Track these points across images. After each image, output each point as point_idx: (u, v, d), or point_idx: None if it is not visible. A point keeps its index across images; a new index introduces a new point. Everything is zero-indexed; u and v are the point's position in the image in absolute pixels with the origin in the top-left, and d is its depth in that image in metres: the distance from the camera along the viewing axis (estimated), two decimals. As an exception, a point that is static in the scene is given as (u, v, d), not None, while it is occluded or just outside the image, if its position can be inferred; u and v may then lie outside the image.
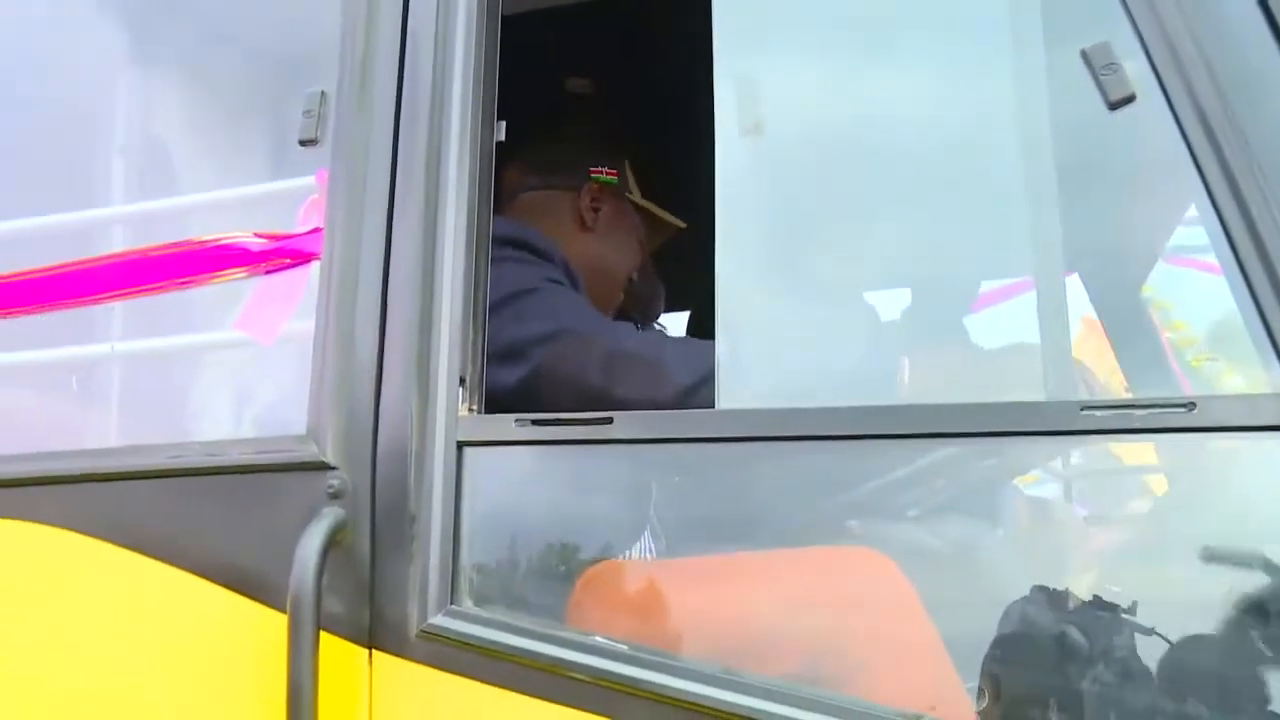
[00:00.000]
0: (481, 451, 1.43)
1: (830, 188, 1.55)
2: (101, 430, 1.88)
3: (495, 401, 1.50)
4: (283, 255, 1.60)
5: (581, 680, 1.31)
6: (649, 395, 1.79)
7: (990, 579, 1.47)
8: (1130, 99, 1.28)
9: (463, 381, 1.44)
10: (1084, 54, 1.31)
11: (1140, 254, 2.33)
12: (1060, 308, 1.43)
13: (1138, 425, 1.22)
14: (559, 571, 1.50)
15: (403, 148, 1.53)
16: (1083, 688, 1.24)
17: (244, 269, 1.62)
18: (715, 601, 1.47)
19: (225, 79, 1.95)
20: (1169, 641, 1.22)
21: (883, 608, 1.44)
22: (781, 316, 1.51)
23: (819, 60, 1.54)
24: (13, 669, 1.56)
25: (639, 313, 2.46)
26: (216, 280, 1.63)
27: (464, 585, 1.40)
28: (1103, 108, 1.30)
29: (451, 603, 1.37)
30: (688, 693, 1.27)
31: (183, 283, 1.65)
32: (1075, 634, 1.26)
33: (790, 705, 1.24)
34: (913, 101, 1.49)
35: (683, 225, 2.44)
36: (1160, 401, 1.20)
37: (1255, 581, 1.23)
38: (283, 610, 1.35)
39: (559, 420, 1.41)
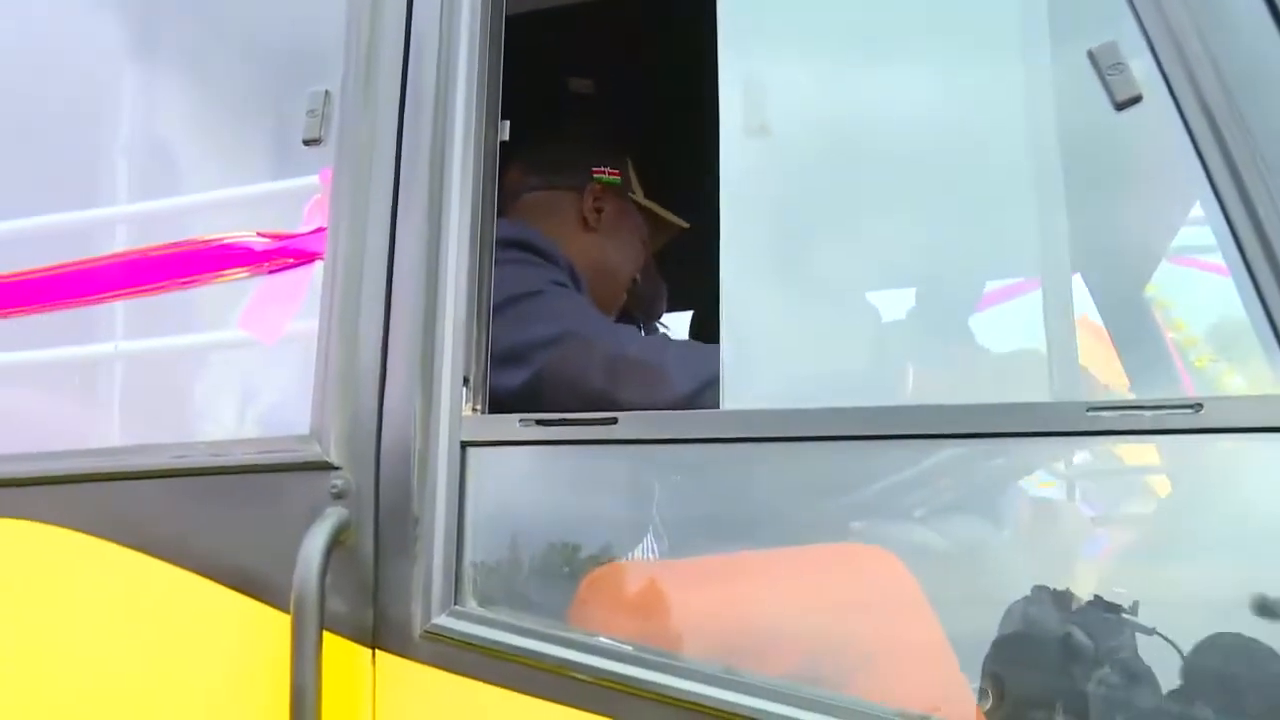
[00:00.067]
0: (485, 452, 1.43)
1: (834, 188, 1.54)
2: (105, 430, 1.87)
3: (498, 404, 1.49)
4: (286, 255, 1.59)
5: (585, 681, 1.30)
6: (651, 400, 1.79)
7: (996, 580, 1.47)
8: (1137, 99, 1.28)
9: (466, 381, 1.44)
10: (1090, 54, 1.31)
11: (1144, 254, 2.33)
12: (1066, 308, 1.42)
13: (1145, 426, 1.22)
14: (563, 572, 1.50)
15: (406, 147, 1.52)
16: (1092, 689, 1.23)
17: (247, 268, 1.62)
18: (719, 600, 1.47)
19: (229, 78, 1.95)
20: (1184, 643, 1.22)
21: (887, 604, 1.43)
22: (786, 317, 1.50)
23: (823, 60, 1.54)
24: (16, 668, 1.56)
25: (641, 313, 2.46)
26: (219, 280, 1.63)
27: (468, 585, 1.40)
28: (1109, 108, 1.30)
29: (455, 603, 1.37)
30: (692, 693, 1.27)
31: (186, 282, 1.65)
32: (1081, 635, 1.25)
33: (794, 706, 1.24)
34: (918, 101, 1.49)
35: (686, 225, 2.44)
36: (1167, 402, 1.20)
37: (1263, 582, 1.23)
38: (286, 610, 1.34)
39: (563, 420, 1.41)
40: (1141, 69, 1.29)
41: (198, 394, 1.87)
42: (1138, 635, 1.24)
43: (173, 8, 2.05)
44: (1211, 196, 1.22)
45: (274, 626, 1.39)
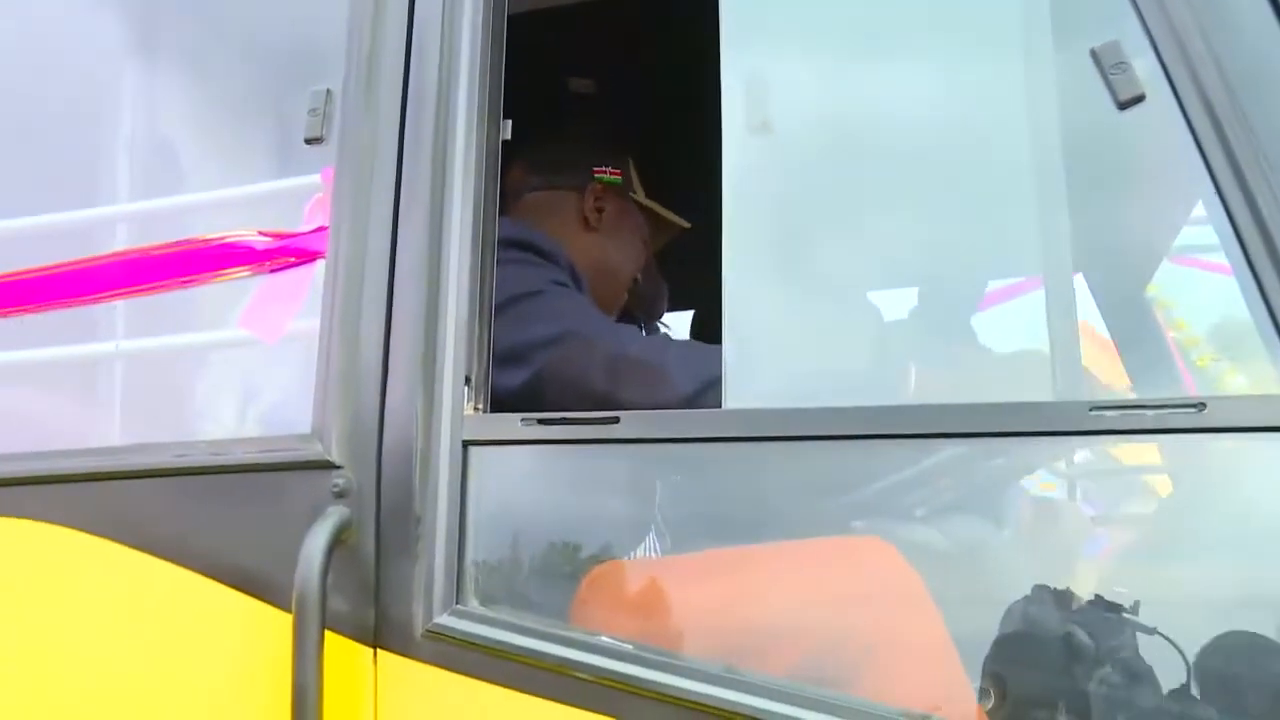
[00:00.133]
0: (487, 451, 1.43)
1: (837, 186, 1.54)
2: (106, 429, 1.87)
3: (498, 404, 1.49)
4: (287, 254, 1.59)
5: (587, 680, 1.30)
6: (652, 401, 1.79)
7: (999, 579, 1.47)
8: (1140, 98, 1.28)
9: (468, 381, 1.44)
10: (1093, 53, 1.30)
11: (1146, 254, 2.33)
12: (1069, 307, 1.42)
13: (1148, 426, 1.22)
14: (565, 571, 1.50)
15: (408, 146, 1.52)
16: (1094, 689, 1.23)
17: (248, 267, 1.62)
18: (720, 597, 1.47)
19: (231, 77, 1.95)
20: (1188, 642, 1.22)
21: (887, 596, 1.43)
22: (788, 316, 1.50)
23: (826, 58, 1.54)
24: (18, 667, 1.56)
25: (642, 313, 2.46)
26: (221, 279, 1.63)
27: (469, 585, 1.40)
28: (1110, 107, 1.30)
29: (457, 602, 1.37)
30: (693, 693, 1.26)
31: (187, 281, 1.65)
32: (1084, 635, 1.25)
33: (796, 705, 1.24)
34: (920, 100, 1.49)
35: (687, 225, 2.44)
36: (1170, 402, 1.20)
37: (1266, 581, 1.23)
38: (287, 609, 1.34)
39: (565, 420, 1.41)
40: (1144, 68, 1.28)
41: (199, 393, 1.87)
42: (1141, 635, 1.24)
43: (174, 6, 2.05)
44: (1214, 195, 1.22)
45: (275, 626, 1.39)
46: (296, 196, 1.63)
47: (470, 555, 1.40)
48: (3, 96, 2.00)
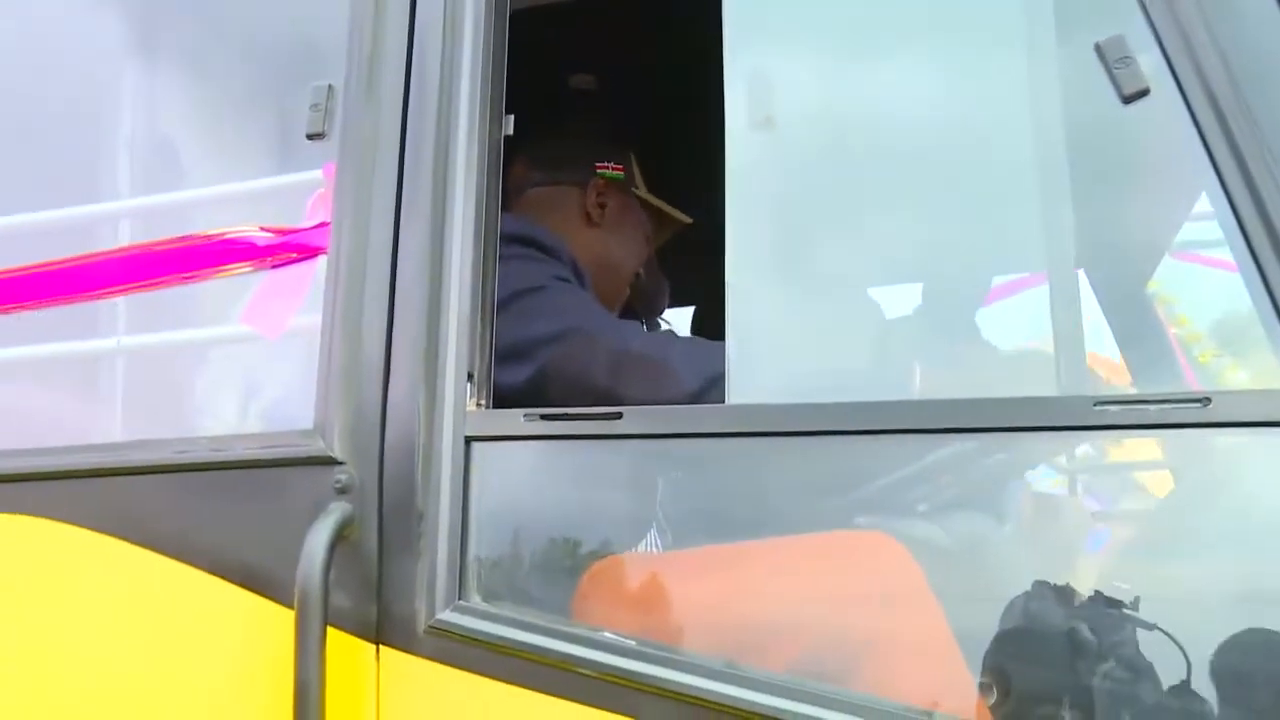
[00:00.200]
0: (490, 447, 1.43)
1: (840, 182, 1.54)
2: (107, 425, 1.87)
3: (501, 401, 1.49)
4: (289, 250, 1.59)
5: (590, 676, 1.30)
6: (656, 397, 1.78)
7: (1004, 576, 1.46)
8: (1144, 93, 1.28)
9: (470, 376, 1.44)
10: (1098, 47, 1.30)
11: (1147, 249, 2.32)
12: (1073, 302, 1.42)
13: (1152, 421, 1.22)
14: (567, 566, 1.50)
15: (410, 142, 1.52)
16: (1100, 684, 1.23)
17: (250, 263, 1.61)
18: (723, 592, 1.47)
19: (232, 73, 1.94)
20: (1195, 638, 1.21)
21: (890, 589, 1.43)
22: (792, 312, 1.50)
23: (829, 53, 1.54)
24: (20, 663, 1.56)
25: (644, 308, 2.45)
26: (222, 275, 1.63)
27: (472, 581, 1.39)
28: (1115, 102, 1.30)
29: (459, 598, 1.37)
30: (696, 688, 1.26)
31: (188, 277, 1.65)
32: (1089, 631, 1.25)
33: (799, 700, 1.24)
34: (924, 95, 1.48)
35: (689, 220, 2.43)
36: (1175, 396, 1.20)
37: (1272, 576, 1.23)
38: (290, 606, 1.34)
39: (568, 415, 1.41)
40: (1149, 63, 1.28)
41: (201, 389, 1.87)
42: (1147, 630, 1.24)
43: (174, 4, 2.05)
44: (1219, 190, 1.22)
45: (278, 622, 1.39)
46: (298, 192, 1.63)
47: (472, 551, 1.40)
48: (4, 93, 2.00)
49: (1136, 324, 2.42)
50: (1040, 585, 1.29)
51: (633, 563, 1.58)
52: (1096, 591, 1.28)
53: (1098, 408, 1.22)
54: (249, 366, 1.80)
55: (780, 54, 1.55)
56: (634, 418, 1.39)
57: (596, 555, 1.53)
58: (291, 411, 1.55)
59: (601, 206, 2.25)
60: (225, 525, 1.49)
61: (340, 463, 1.43)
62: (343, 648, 1.37)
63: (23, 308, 1.75)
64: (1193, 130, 1.25)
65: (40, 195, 1.89)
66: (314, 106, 1.58)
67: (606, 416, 1.39)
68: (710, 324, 2.84)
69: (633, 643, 1.32)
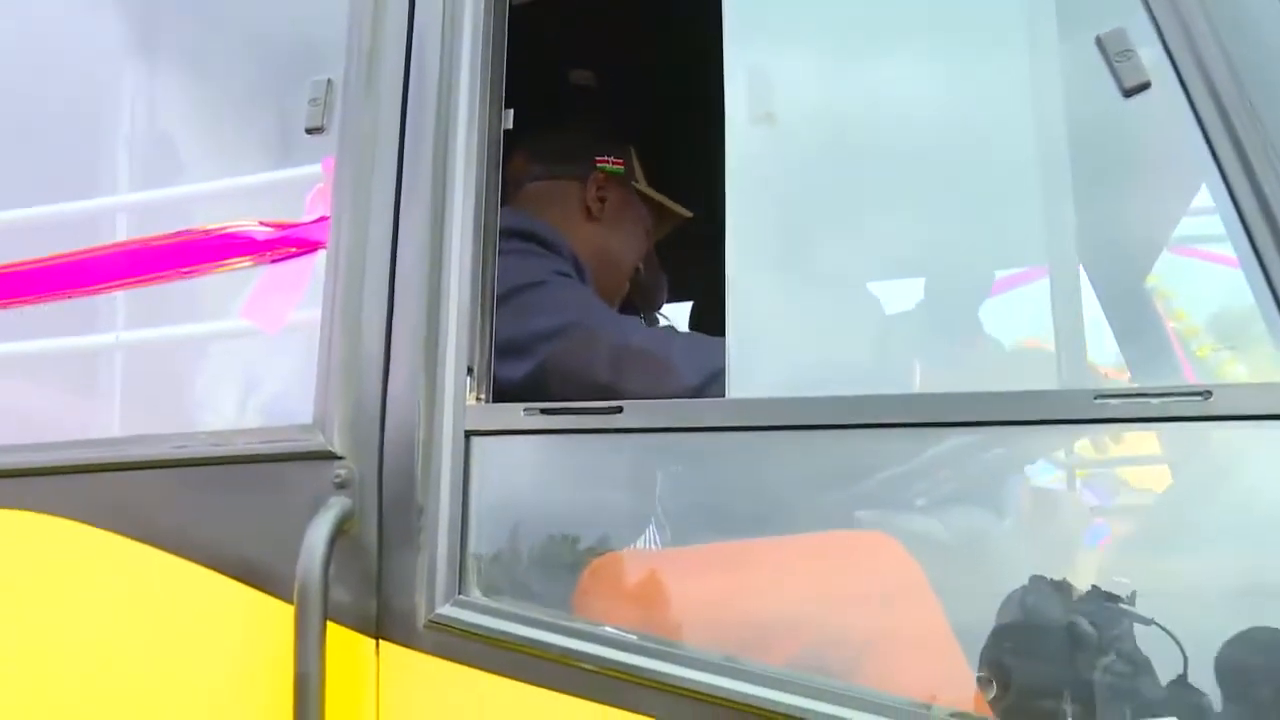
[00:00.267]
0: (490, 441, 1.43)
1: (840, 176, 1.54)
2: (106, 420, 1.87)
3: (501, 397, 1.49)
4: (289, 244, 1.59)
5: (589, 670, 1.30)
6: (655, 393, 1.78)
7: (1006, 569, 1.46)
8: (1145, 86, 1.28)
9: (470, 370, 1.44)
10: (1099, 40, 1.30)
11: (1146, 244, 2.32)
12: (1074, 295, 1.42)
13: (1152, 414, 1.21)
14: (567, 561, 1.50)
15: (410, 136, 1.52)
16: (1099, 678, 1.23)
17: (250, 258, 1.61)
18: (723, 588, 1.47)
19: (231, 67, 1.94)
20: (1196, 631, 1.21)
21: (890, 589, 1.43)
22: (793, 307, 1.50)
23: (829, 48, 1.53)
24: (19, 658, 1.56)
25: (642, 303, 2.45)
26: (222, 269, 1.63)
27: (472, 575, 1.39)
28: (1114, 96, 1.29)
29: (459, 593, 1.37)
30: (696, 682, 1.26)
31: (188, 272, 1.65)
32: (1084, 624, 1.25)
33: (798, 694, 1.24)
34: (924, 89, 1.48)
35: (689, 215, 2.43)
36: (1175, 390, 1.20)
37: (1273, 570, 1.23)
38: (290, 601, 1.34)
39: (568, 409, 1.40)
40: (1150, 57, 1.28)
41: (200, 384, 1.87)
42: (1151, 625, 1.23)
43: (176, 2, 2.05)
44: (1220, 184, 1.22)
45: (278, 617, 1.39)
46: (297, 187, 1.62)
47: (472, 546, 1.40)
48: (2, 95, 2.00)
49: (1135, 318, 2.43)
50: (1041, 579, 1.29)
51: (634, 559, 1.58)
52: (1098, 585, 1.28)
53: (1098, 401, 1.22)
54: (248, 361, 1.80)
55: (780, 48, 1.55)
56: (634, 412, 1.39)
57: (595, 550, 1.53)
58: (291, 406, 1.55)
59: (601, 200, 2.24)
60: (225, 520, 1.49)
61: (340, 457, 1.43)
62: (342, 642, 1.37)
63: (21, 302, 1.75)
64: (1191, 124, 1.25)
65: (40, 194, 1.89)
66: (313, 101, 1.58)
67: (607, 411, 1.38)
68: (708, 319, 2.84)
69: (633, 637, 1.32)
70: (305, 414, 1.47)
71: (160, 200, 1.89)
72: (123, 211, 1.89)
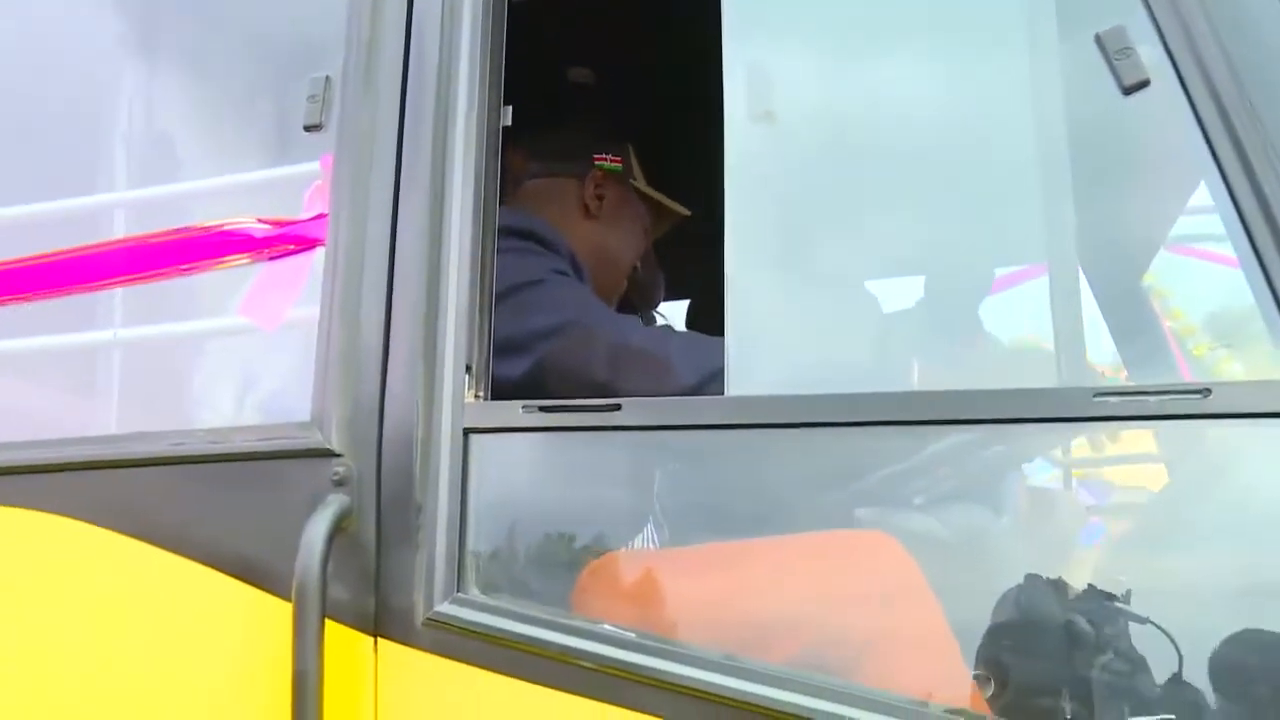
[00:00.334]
0: (488, 438, 1.43)
1: (840, 175, 1.54)
2: (104, 417, 1.87)
3: (499, 395, 1.49)
4: (287, 241, 1.59)
5: (588, 668, 1.30)
6: (653, 392, 1.78)
7: (1005, 568, 1.46)
8: (1145, 84, 1.28)
9: (469, 368, 1.44)
10: (1098, 38, 1.30)
11: (1143, 243, 2.32)
12: (1073, 293, 1.42)
13: (1152, 412, 1.21)
14: (566, 559, 1.50)
15: (408, 133, 1.52)
16: (1097, 676, 1.23)
17: (248, 255, 1.61)
18: (722, 588, 1.47)
19: (229, 65, 1.94)
20: (1195, 630, 1.22)
21: (889, 589, 1.43)
22: (792, 306, 1.50)
23: (829, 46, 1.53)
24: (17, 657, 1.55)
25: (640, 301, 2.45)
26: (220, 266, 1.63)
27: (470, 573, 1.39)
28: (1114, 94, 1.29)
29: (458, 590, 1.37)
30: (694, 680, 1.26)
31: (186, 269, 1.65)
32: (1083, 623, 1.25)
33: (797, 692, 1.24)
34: (924, 87, 1.48)
35: (687, 213, 2.43)
36: (1174, 388, 1.20)
37: (1272, 568, 1.23)
38: (288, 598, 1.34)
39: (567, 407, 1.40)
40: (1149, 55, 1.28)
41: (198, 381, 1.87)
42: (1150, 624, 1.24)
43: (175, 1, 2.04)
44: (1219, 182, 1.22)
45: (276, 614, 1.39)
46: (296, 184, 1.62)
47: (471, 543, 1.40)
48: (2, 94, 2.00)
49: (1132, 317, 2.43)
50: (1040, 578, 1.29)
51: (633, 559, 1.58)
52: (1095, 584, 1.28)
53: (1097, 399, 1.22)
54: (246, 359, 1.80)
55: (780, 46, 1.55)
56: (633, 409, 1.39)
57: (593, 548, 1.53)
58: (289, 404, 1.55)
59: (600, 198, 2.24)
60: (223, 518, 1.49)
61: (338, 455, 1.43)
62: (341, 640, 1.37)
63: (19, 299, 1.75)
64: (1190, 123, 1.25)
65: (38, 192, 1.88)
66: (311, 98, 1.58)
67: (605, 408, 1.38)
68: (705, 318, 2.84)
69: (632, 635, 1.32)
70: (303, 411, 1.47)
71: (158, 197, 1.88)
72: (121, 208, 1.89)
